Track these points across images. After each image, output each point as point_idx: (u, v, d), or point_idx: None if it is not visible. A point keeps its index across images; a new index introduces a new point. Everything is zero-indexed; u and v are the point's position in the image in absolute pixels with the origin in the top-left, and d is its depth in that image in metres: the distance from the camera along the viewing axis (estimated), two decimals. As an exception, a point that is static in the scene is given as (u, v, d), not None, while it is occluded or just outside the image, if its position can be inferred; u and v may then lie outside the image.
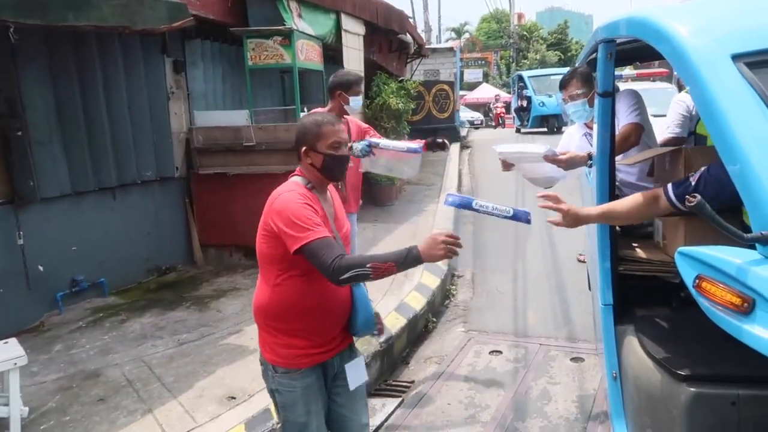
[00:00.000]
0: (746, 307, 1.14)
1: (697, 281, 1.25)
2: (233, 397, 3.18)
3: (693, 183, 1.72)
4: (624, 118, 2.81)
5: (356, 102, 3.80)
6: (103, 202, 5.04)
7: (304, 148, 1.97)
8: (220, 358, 3.69)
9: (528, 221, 1.86)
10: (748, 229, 1.22)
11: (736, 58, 1.24)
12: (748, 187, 1.13)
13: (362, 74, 3.48)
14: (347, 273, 1.73)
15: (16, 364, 2.88)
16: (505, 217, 1.82)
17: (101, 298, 4.94)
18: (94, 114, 4.86)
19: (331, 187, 2.14)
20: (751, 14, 1.45)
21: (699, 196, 1.14)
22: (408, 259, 1.72)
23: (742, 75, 1.21)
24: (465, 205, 1.83)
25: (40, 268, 4.47)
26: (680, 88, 5.80)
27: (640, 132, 2.78)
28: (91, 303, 4.84)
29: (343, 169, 2.04)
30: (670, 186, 1.82)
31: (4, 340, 3.13)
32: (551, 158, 2.75)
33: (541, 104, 16.88)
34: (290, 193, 1.90)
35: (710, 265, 1.20)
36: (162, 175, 5.58)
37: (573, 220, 1.96)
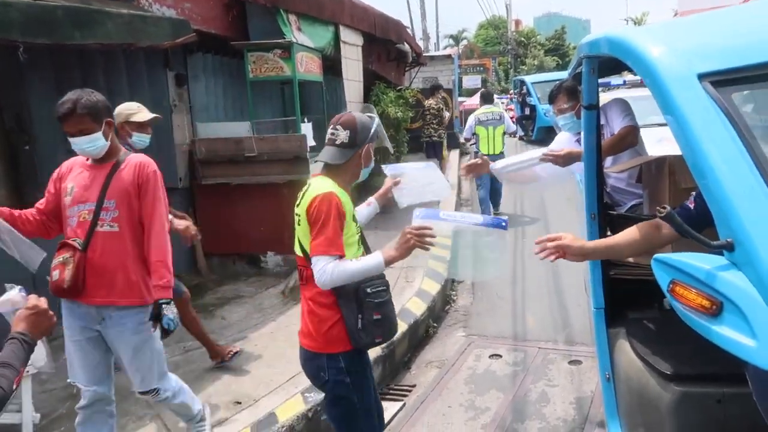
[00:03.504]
0: (715, 310, 1.23)
1: (671, 286, 1.33)
2: (239, 402, 3.27)
3: (691, 206, 1.67)
4: (619, 123, 2.93)
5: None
6: (109, 214, 5.14)
7: None
8: (225, 364, 3.78)
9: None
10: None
11: (702, 77, 1.34)
12: (713, 197, 1.23)
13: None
14: None
15: (28, 371, 2.96)
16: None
17: (108, 307, 5.03)
18: (99, 128, 4.97)
19: None
20: (718, 35, 1.55)
21: (668, 207, 1.23)
22: None
23: (708, 93, 1.31)
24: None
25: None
26: None
27: (636, 133, 2.89)
28: (98, 313, 4.93)
29: None
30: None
31: None
32: (550, 157, 2.86)
33: (546, 113, 14.57)
34: None
35: (683, 271, 1.29)
36: (166, 185, 5.66)
37: (580, 255, 1.87)
